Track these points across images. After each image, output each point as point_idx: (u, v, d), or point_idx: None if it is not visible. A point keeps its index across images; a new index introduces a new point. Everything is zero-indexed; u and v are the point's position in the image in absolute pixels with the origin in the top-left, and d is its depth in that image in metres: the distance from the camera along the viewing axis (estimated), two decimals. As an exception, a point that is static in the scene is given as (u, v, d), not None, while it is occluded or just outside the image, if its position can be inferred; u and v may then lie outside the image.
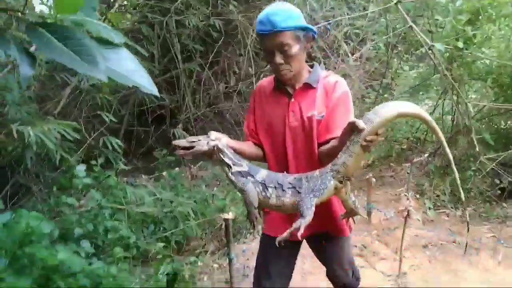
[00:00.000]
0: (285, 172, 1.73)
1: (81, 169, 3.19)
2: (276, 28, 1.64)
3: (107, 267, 2.54)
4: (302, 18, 1.73)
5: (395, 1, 3.57)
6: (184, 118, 5.44)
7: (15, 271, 2.06)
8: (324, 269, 2.17)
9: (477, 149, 3.86)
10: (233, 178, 1.63)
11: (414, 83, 5.70)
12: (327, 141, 1.74)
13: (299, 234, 1.50)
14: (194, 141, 1.61)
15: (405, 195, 3.28)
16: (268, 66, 4.38)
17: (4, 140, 3.03)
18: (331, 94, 1.79)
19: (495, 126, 4.92)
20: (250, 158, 1.88)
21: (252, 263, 2.06)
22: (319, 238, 1.97)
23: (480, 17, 4.09)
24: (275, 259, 1.98)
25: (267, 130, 1.90)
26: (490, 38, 4.26)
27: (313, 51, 5.29)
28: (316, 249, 2.10)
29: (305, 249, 2.15)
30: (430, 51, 3.73)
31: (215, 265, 3.52)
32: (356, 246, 3.68)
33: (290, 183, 1.62)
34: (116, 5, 4.93)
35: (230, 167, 1.63)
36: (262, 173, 1.65)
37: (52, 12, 0.92)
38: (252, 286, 2.08)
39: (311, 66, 1.89)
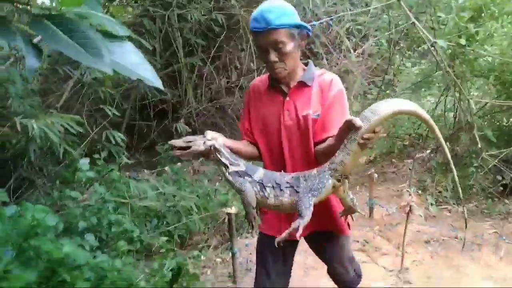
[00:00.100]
0: (282, 171, 1.72)
1: (84, 162, 3.18)
2: (270, 26, 1.62)
3: (111, 260, 2.53)
4: (296, 15, 1.71)
5: (397, -3, 3.56)
6: (186, 113, 5.42)
7: (21, 264, 2.05)
8: (326, 264, 2.17)
9: (479, 145, 3.87)
10: (230, 178, 1.62)
11: (416, 79, 5.69)
12: (324, 140, 1.73)
13: (298, 234, 1.49)
14: (190, 141, 1.59)
15: (407, 191, 3.29)
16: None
17: (8, 133, 3.01)
18: (326, 92, 1.78)
19: (497, 123, 4.94)
20: (246, 157, 1.88)
21: (255, 257, 2.06)
22: (319, 237, 1.96)
23: (483, 14, 4.09)
24: (273, 259, 1.97)
25: (262, 129, 1.88)
26: (492, 36, 4.26)
27: (316, 47, 5.29)
28: (316, 248, 2.09)
29: (307, 245, 2.15)
30: (432, 48, 3.73)
31: (218, 259, 3.53)
32: (358, 242, 3.70)
33: (288, 183, 1.61)
34: (118, -2, 4.92)
35: (227, 167, 1.62)
36: (260, 173, 1.64)
37: (54, 5, 0.91)
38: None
39: (306, 64, 1.87)
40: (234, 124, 5.77)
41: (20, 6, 0.94)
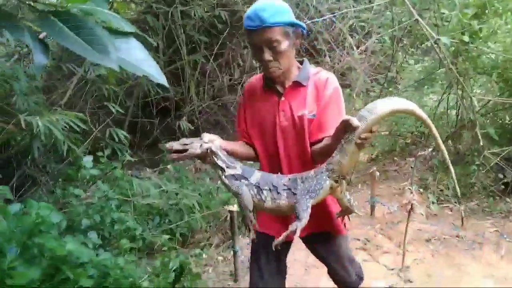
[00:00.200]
0: (278, 172, 1.72)
1: (88, 160, 3.20)
2: (265, 24, 1.60)
3: (114, 258, 2.56)
4: (291, 13, 1.70)
5: (401, -6, 3.56)
6: (188, 111, 5.43)
7: (25, 261, 2.07)
8: (327, 263, 2.17)
9: (482, 143, 3.87)
10: (226, 181, 1.61)
11: (419, 77, 5.68)
12: (320, 140, 1.72)
13: (295, 237, 1.49)
14: (187, 144, 1.59)
15: (409, 189, 3.28)
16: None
17: (12, 131, 3.03)
18: (322, 92, 1.77)
19: (500, 121, 4.92)
20: (243, 158, 1.88)
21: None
22: (316, 238, 1.95)
23: (487, 11, 4.06)
24: (267, 258, 1.96)
25: (258, 130, 1.87)
26: (496, 32, 4.23)
27: (318, 44, 5.28)
28: (314, 250, 2.07)
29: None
30: (435, 45, 3.72)
31: (220, 258, 3.55)
32: (359, 240, 3.71)
33: (285, 185, 1.60)
34: (122, -6, 4.92)
35: (224, 170, 1.61)
36: (256, 175, 1.63)
37: (60, 1, 0.92)
38: None
39: (301, 63, 1.86)
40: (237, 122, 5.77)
41: (27, 2, 0.95)
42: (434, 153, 4.94)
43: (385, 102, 1.51)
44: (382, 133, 5.62)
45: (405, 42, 5.54)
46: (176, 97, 5.52)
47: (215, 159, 1.62)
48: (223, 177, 1.62)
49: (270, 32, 1.63)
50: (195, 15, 4.92)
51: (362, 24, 5.48)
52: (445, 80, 5.10)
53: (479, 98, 4.44)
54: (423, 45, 5.51)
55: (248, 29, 1.66)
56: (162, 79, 0.92)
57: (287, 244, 1.95)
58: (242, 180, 1.61)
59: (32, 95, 3.39)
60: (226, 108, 5.96)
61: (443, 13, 4.22)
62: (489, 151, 4.06)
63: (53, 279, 2.21)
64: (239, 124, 1.96)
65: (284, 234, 1.52)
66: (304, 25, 1.73)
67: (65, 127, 3.03)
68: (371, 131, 1.49)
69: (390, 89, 5.50)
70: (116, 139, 3.68)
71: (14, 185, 3.42)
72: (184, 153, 1.59)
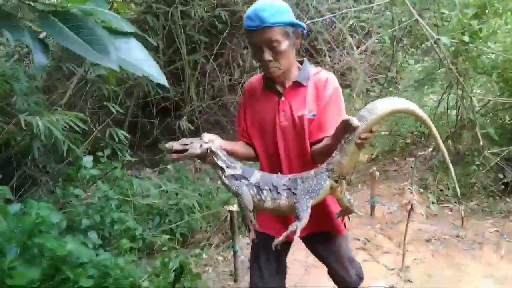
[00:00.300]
0: (278, 172, 1.72)
1: (88, 160, 3.20)
2: (265, 24, 1.60)
3: (114, 258, 2.55)
4: (291, 13, 1.70)
5: (401, -6, 3.56)
6: (189, 111, 5.43)
7: (25, 261, 2.07)
8: (327, 263, 2.17)
9: (482, 143, 3.87)
10: (226, 181, 1.61)
11: (419, 77, 5.68)
12: (320, 140, 1.72)
13: (295, 237, 1.48)
14: (187, 144, 1.59)
15: (409, 189, 3.28)
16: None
17: (12, 131, 3.03)
18: (322, 92, 1.77)
19: (500, 121, 4.93)
20: (242, 158, 1.87)
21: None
22: (316, 238, 1.95)
23: (487, 11, 4.06)
24: (266, 258, 1.96)
25: (258, 130, 1.87)
26: (496, 32, 4.24)
27: (318, 44, 5.28)
28: (314, 250, 2.07)
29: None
30: (435, 45, 3.72)
31: (220, 258, 3.55)
32: (359, 240, 3.71)
33: (285, 185, 1.60)
34: (122, -6, 4.92)
35: (224, 170, 1.61)
36: (256, 176, 1.63)
37: (60, 1, 0.92)
38: None
39: (301, 63, 1.86)
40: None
41: (27, 2, 0.95)
42: (434, 153, 4.94)
43: (385, 102, 1.51)
44: (382, 133, 5.62)
45: (405, 42, 5.54)
46: (176, 97, 5.52)
47: (215, 159, 1.62)
48: (223, 177, 1.62)
49: (270, 32, 1.63)
50: (195, 15, 4.92)
51: (362, 24, 5.48)
52: (445, 80, 5.11)
53: (479, 98, 4.44)
54: (423, 45, 5.51)
55: (248, 29, 1.66)
56: (162, 79, 0.93)
57: (287, 244, 1.95)
58: (242, 180, 1.61)
59: (32, 95, 3.39)
60: (226, 108, 5.96)
61: (443, 13, 4.23)
62: (489, 151, 4.06)
63: (53, 279, 2.21)
64: (239, 124, 1.96)
65: (284, 234, 1.52)
66: (304, 25, 1.73)
67: (65, 127, 3.03)
68: (371, 131, 1.48)
69: (390, 89, 5.50)
70: (116, 139, 3.68)
71: (14, 185, 3.42)
72: (184, 153, 1.58)
